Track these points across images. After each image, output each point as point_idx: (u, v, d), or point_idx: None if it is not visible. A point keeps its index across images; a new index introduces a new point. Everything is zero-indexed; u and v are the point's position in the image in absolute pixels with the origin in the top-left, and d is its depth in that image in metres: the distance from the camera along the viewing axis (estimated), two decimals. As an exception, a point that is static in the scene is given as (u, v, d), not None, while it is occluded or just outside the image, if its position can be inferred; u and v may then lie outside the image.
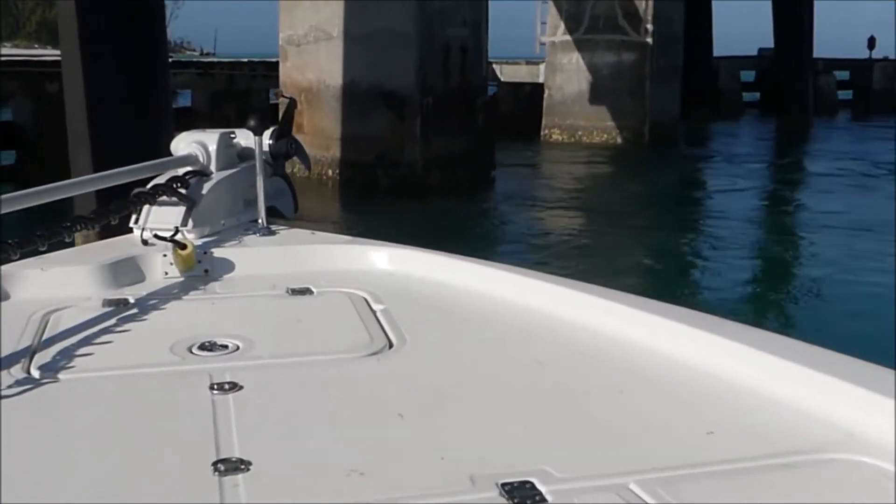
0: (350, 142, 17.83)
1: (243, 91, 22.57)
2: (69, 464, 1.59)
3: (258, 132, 3.12)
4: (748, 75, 42.06)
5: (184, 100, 23.54)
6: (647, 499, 1.41)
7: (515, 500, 1.41)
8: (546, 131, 27.71)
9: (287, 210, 3.46)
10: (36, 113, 17.68)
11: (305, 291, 2.62)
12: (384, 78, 17.56)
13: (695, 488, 1.46)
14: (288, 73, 18.59)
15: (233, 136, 3.29)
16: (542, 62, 28.82)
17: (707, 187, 21.13)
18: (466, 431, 1.70)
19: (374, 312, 2.42)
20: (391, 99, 17.52)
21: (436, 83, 17.86)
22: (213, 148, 3.16)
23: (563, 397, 1.90)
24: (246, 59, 25.54)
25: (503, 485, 1.45)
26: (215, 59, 28.12)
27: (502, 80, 30.42)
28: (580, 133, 27.10)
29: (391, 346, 2.17)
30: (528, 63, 30.39)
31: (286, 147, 3.39)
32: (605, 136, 26.76)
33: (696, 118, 30.37)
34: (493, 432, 1.70)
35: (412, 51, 17.50)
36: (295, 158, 3.51)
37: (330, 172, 17.98)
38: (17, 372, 1.95)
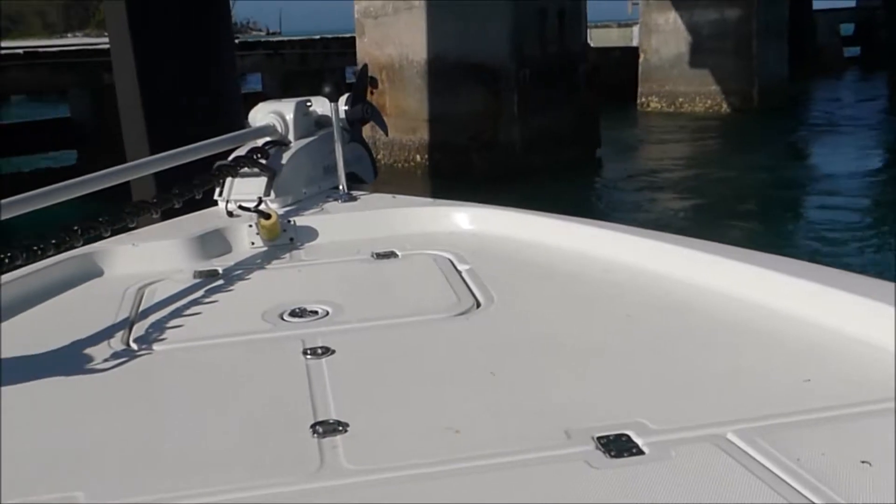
0: (439, 123, 16.10)
1: (317, 71, 21.04)
2: (171, 430, 1.63)
3: (333, 99, 3.17)
4: (847, 28, 39.66)
5: (253, 83, 22.18)
6: (746, 448, 1.41)
7: (612, 453, 1.42)
8: (643, 99, 25.81)
9: (367, 175, 3.51)
10: (95, 107, 16.17)
11: (390, 255, 2.67)
12: (475, 49, 15.71)
13: (793, 436, 1.45)
14: (365, 49, 16.93)
15: (309, 104, 3.32)
16: (636, 24, 26.89)
17: (835, 163, 18.73)
18: (559, 387, 1.72)
19: (459, 273, 2.45)
20: (483, 72, 15.68)
21: (532, 52, 16.01)
22: (290, 117, 3.20)
23: (656, 349, 1.90)
24: (318, 37, 23.83)
25: (599, 438, 1.46)
26: (284, 39, 26.38)
27: (591, 45, 28.36)
28: (681, 100, 25.14)
29: (479, 305, 2.20)
30: (619, 26, 28.35)
31: (362, 112, 3.42)
32: (709, 102, 24.70)
33: (797, 77, 27.94)
34: (586, 386, 1.72)
35: (505, 17, 15.64)
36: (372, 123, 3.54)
37: (417, 158, 16.31)
38: (116, 344, 2.03)
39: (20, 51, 17.38)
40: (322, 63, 21.71)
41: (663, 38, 25.38)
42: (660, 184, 16.21)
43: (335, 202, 3.11)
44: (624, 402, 1.63)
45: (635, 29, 26.99)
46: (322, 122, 3.32)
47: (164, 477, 1.46)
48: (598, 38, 28.36)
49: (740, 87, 24.26)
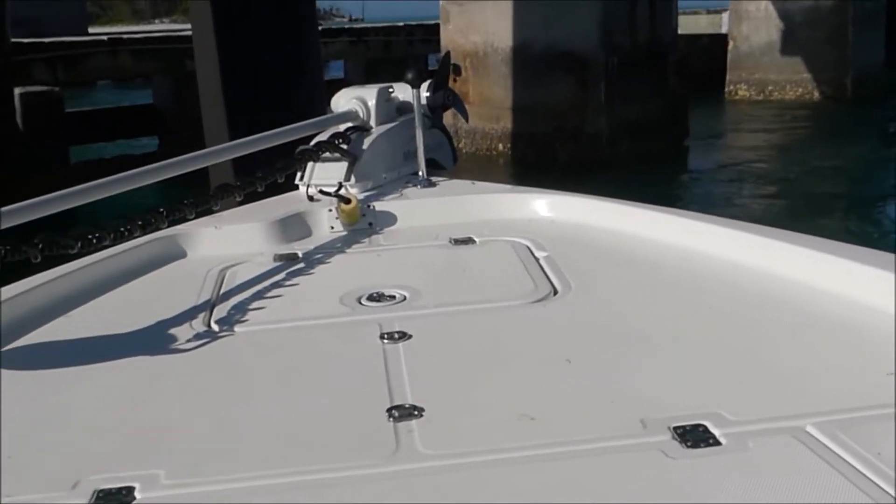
0: (523, 112, 15.73)
1: (400, 58, 20.75)
2: (249, 411, 1.64)
3: (415, 85, 3.16)
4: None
5: (336, 70, 22.06)
6: (826, 441, 1.38)
7: (689, 444, 1.40)
8: (731, 87, 25.11)
9: (446, 161, 3.51)
10: (178, 94, 16.16)
11: (468, 241, 2.66)
12: (562, 37, 15.32)
13: (875, 430, 1.41)
14: (450, 37, 16.64)
15: (391, 90, 3.34)
16: (725, 11, 26.11)
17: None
18: (636, 376, 1.69)
19: (537, 260, 2.43)
20: (571, 61, 15.26)
21: (622, 41, 15.57)
22: (372, 103, 3.21)
23: (734, 340, 1.87)
24: (402, 24, 23.58)
25: (675, 428, 1.44)
26: (367, 25, 26.19)
27: (679, 32, 27.72)
28: (770, 88, 24.41)
29: (556, 292, 2.18)
30: (708, 13, 27.63)
31: (443, 99, 3.42)
32: (800, 90, 23.94)
33: (892, 67, 26.84)
34: (663, 376, 1.69)
35: (594, 4, 15.20)
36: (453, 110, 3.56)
37: (500, 147, 16.00)
38: (198, 325, 2.06)
39: (105, 37, 17.40)
40: (405, 50, 21.50)
41: (754, 26, 24.63)
42: (749, 175, 15.64)
43: (415, 188, 3.12)
44: (701, 392, 1.61)
45: (725, 16, 26.24)
46: (403, 109, 3.34)
47: (241, 457, 1.48)
48: (686, 24, 27.56)
49: (833, 77, 23.47)
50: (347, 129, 3.14)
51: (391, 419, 1.55)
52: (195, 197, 2.49)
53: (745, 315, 2.02)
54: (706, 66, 24.75)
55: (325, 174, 3.01)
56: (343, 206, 2.79)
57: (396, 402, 1.60)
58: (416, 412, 1.56)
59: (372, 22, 35.20)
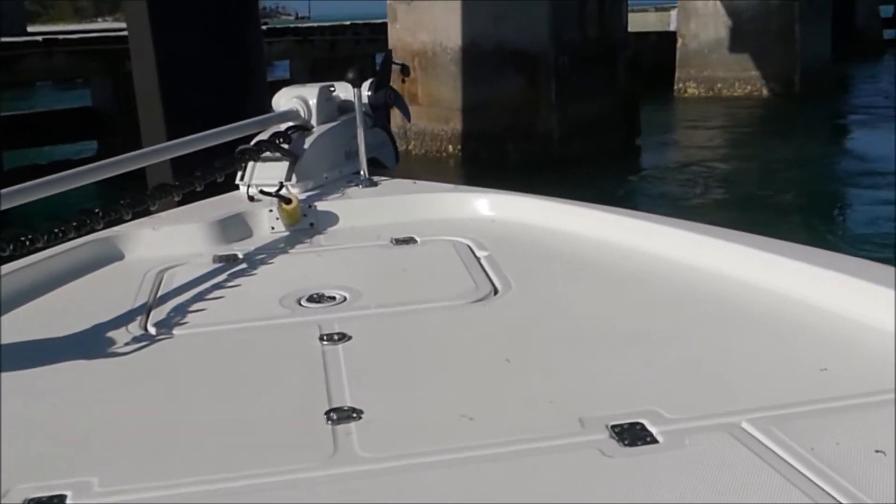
0: (474, 112, 15.41)
1: (346, 58, 20.33)
2: (188, 414, 1.63)
3: (357, 84, 3.16)
4: (886, 10, 38.65)
5: (281, 71, 21.64)
6: (761, 437, 1.40)
7: (626, 442, 1.41)
8: (680, 85, 24.95)
9: (388, 160, 3.52)
10: (117, 96, 15.65)
11: (409, 241, 2.65)
12: (512, 35, 15.01)
13: (809, 426, 1.44)
14: (398, 36, 16.28)
15: (332, 89, 3.32)
16: (674, 8, 26.12)
17: (883, 152, 17.84)
18: (574, 375, 1.72)
19: (478, 259, 2.44)
20: (521, 59, 14.98)
21: (572, 37, 15.30)
22: (313, 102, 3.20)
23: (671, 338, 1.88)
24: (349, 22, 23.17)
25: (613, 426, 1.45)
26: (313, 24, 25.77)
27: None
28: (719, 86, 24.28)
29: (496, 292, 2.19)
30: (657, 10, 27.54)
31: (385, 98, 3.41)
32: (749, 87, 23.84)
33: (837, 60, 26.89)
34: (601, 375, 1.70)
35: (544, 1, 14.91)
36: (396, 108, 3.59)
37: (450, 148, 15.69)
38: (135, 328, 2.03)
39: (39, 38, 16.81)
40: (352, 50, 21.11)
41: (703, 23, 24.48)
42: (702, 174, 15.39)
43: (356, 187, 3.11)
44: (639, 390, 1.62)
45: (673, 13, 26.12)
46: (345, 108, 3.32)
47: (178, 462, 1.46)
48: (634, 22, 27.13)
49: (782, 72, 23.38)
50: (288, 129, 3.13)
51: (329, 422, 1.54)
52: (132, 197, 2.44)
53: (683, 313, 2.04)
54: (655, 64, 24.63)
55: (265, 174, 2.98)
56: (284, 206, 2.77)
57: (335, 405, 1.59)
58: (354, 414, 1.56)
59: (318, 21, 34.73)
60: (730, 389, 1.61)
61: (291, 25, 26.99)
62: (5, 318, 2.15)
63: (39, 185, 2.23)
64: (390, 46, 16.13)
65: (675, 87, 24.94)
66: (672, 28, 26.19)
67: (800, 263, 2.07)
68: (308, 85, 3.33)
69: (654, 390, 1.61)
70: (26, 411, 1.67)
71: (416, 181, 3.17)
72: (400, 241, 2.67)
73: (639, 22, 27.72)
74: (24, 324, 2.12)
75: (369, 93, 3.31)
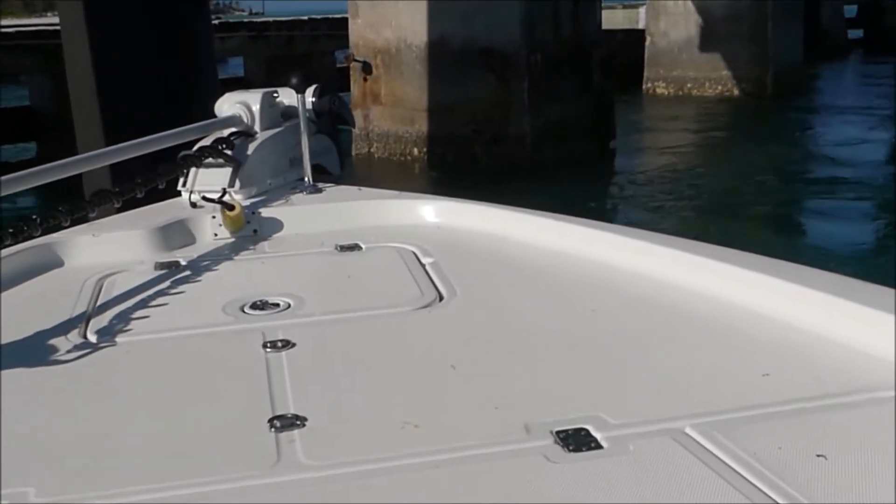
0: (440, 113, 14.59)
1: (304, 55, 19.45)
2: (128, 423, 1.63)
3: (300, 90, 3.13)
4: (850, 10, 38.57)
5: (235, 68, 20.71)
6: (704, 442, 1.43)
7: (571, 448, 1.43)
8: (649, 84, 24.34)
9: (333, 167, 3.46)
10: (57, 95, 14.55)
11: (354, 248, 2.66)
12: (482, 32, 14.18)
13: (752, 431, 1.46)
14: (359, 32, 15.39)
15: (276, 95, 3.29)
16: (642, 6, 25.51)
17: (856, 154, 17.28)
18: (520, 381, 1.73)
19: (423, 266, 2.44)
20: (491, 58, 14.14)
21: (545, 36, 14.49)
22: (256, 108, 3.18)
23: (615, 344, 1.91)
24: (306, 17, 22.17)
25: (558, 432, 1.47)
26: (269, 20, 24.75)
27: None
28: (689, 86, 23.73)
29: (441, 298, 2.20)
30: (624, 7, 26.90)
31: (329, 104, 3.38)
32: (720, 87, 23.29)
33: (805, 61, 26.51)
34: (547, 381, 1.73)
35: (516, -2, 14.09)
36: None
37: (415, 151, 14.88)
38: (74, 337, 2.01)
39: (-30, 32, 15.69)
40: (310, 46, 20.18)
41: (672, 21, 23.89)
42: (678, 179, 14.78)
43: (300, 194, 3.10)
44: (584, 396, 1.64)
45: (642, 10, 25.53)
46: (289, 114, 3.29)
47: (118, 472, 1.45)
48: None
49: (753, 73, 22.84)
50: (231, 135, 3.09)
51: (273, 429, 1.53)
52: (71, 204, 2.43)
53: (627, 319, 2.06)
54: (623, 63, 23.95)
55: (208, 180, 2.94)
56: (227, 212, 2.76)
57: (279, 412, 1.59)
58: (298, 422, 1.55)
59: (274, 16, 33.66)
60: (674, 395, 1.63)
61: (245, 20, 25.93)
62: None
63: None
64: (351, 43, 15.45)
65: (644, 87, 24.36)
66: (640, 26, 25.63)
67: (742, 270, 2.10)
68: (251, 90, 3.30)
69: (598, 396, 1.63)
70: None
71: (361, 188, 3.18)
72: (344, 248, 2.66)
73: (607, 19, 27.00)
74: None
75: (313, 98, 3.28)
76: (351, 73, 15.33)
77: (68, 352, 1.93)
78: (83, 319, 2.12)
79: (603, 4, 25.67)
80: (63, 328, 2.06)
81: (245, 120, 3.16)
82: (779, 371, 1.70)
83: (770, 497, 1.27)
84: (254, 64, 20.13)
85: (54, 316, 2.12)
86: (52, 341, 1.99)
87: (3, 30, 15.75)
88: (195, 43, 8.24)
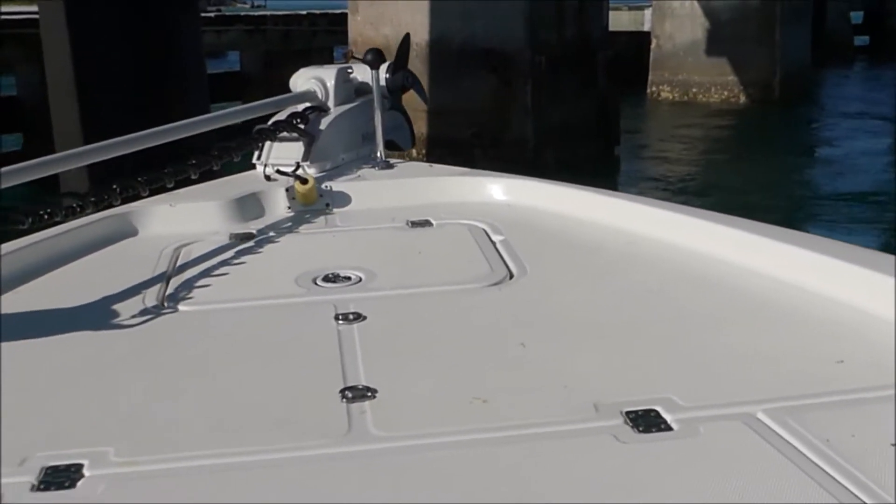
0: (440, 114, 13.84)
1: (302, 51, 19.04)
2: (203, 389, 1.67)
3: (375, 66, 3.18)
4: (856, 16, 38.26)
5: (232, 62, 20.30)
6: (776, 427, 1.40)
7: (640, 428, 1.42)
8: (653, 88, 23.85)
9: (404, 143, 3.56)
10: (45, 85, 14.13)
11: (425, 223, 2.68)
12: (484, 32, 13.65)
13: (824, 417, 1.44)
14: (358, 29, 14.90)
15: (350, 70, 3.36)
16: (648, 7, 25.15)
17: (867, 161, 16.87)
18: (589, 360, 1.73)
19: (493, 243, 2.46)
20: (494, 58, 13.62)
21: (548, 37, 14.00)
22: (330, 83, 3.23)
23: (687, 326, 1.90)
24: (305, 12, 21.71)
25: (627, 413, 1.46)
26: (267, 13, 24.27)
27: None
28: (695, 90, 23.24)
29: (511, 276, 2.21)
30: (630, 9, 26.46)
31: (402, 80, 3.44)
32: (726, 93, 22.82)
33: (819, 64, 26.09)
34: (616, 361, 1.72)
35: (520, -3, 13.59)
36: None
37: (413, 153, 14.28)
38: (151, 303, 2.07)
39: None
40: (308, 42, 19.78)
41: (678, 24, 23.38)
42: (685, 190, 14.41)
43: (372, 169, 3.12)
44: (653, 377, 1.62)
45: (647, 12, 25.09)
46: (362, 90, 3.32)
47: (192, 436, 1.47)
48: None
49: (761, 78, 22.35)
50: (305, 109, 3.14)
51: (344, 400, 1.55)
52: (150, 174, 2.50)
53: (696, 300, 2.05)
54: (627, 65, 23.51)
55: (282, 154, 3.01)
56: (299, 186, 2.79)
57: (350, 383, 1.61)
58: (369, 393, 1.57)
59: (275, 9, 33.18)
60: (745, 379, 1.60)
61: (242, 13, 25.45)
62: (23, 288, 2.19)
63: (64, 159, 2.34)
64: (350, 39, 15.06)
65: (649, 91, 23.88)
66: (646, 28, 25.19)
67: (818, 255, 2.06)
68: (326, 66, 3.36)
69: (668, 378, 1.60)
70: (42, 381, 1.69)
71: (432, 164, 3.26)
72: (415, 224, 2.68)
73: (612, 21, 26.67)
74: (41, 296, 2.14)
75: (387, 75, 3.31)
76: (349, 69, 14.92)
77: (145, 317, 1.98)
78: (159, 287, 2.17)
79: (609, 5, 25.36)
80: (140, 294, 2.12)
81: (319, 95, 3.22)
82: (852, 358, 1.67)
83: (843, 485, 1.25)
84: (250, 58, 19.75)
85: (131, 282, 2.18)
86: (129, 307, 2.04)
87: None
88: (180, 36, 7.90)
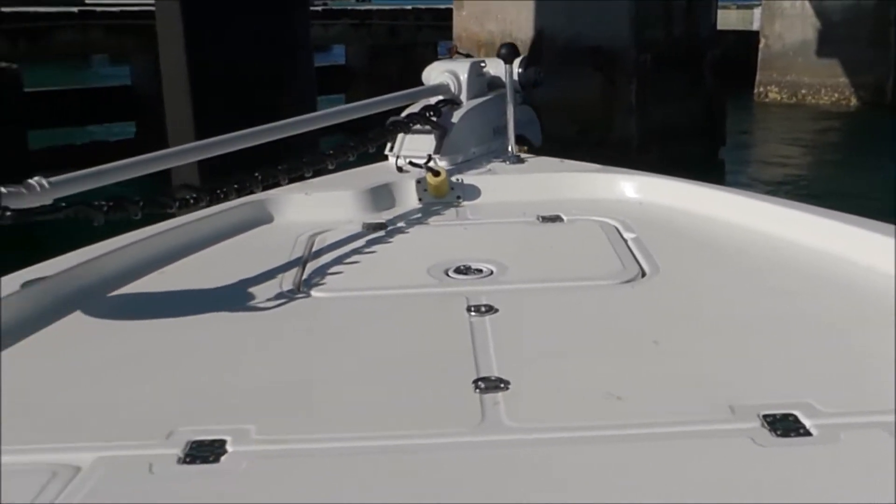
0: (544, 112, 13.75)
1: (407, 45, 19.09)
2: (339, 373, 1.70)
3: (508, 60, 3.20)
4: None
5: (337, 56, 20.49)
6: None
7: (778, 432, 1.38)
8: (761, 89, 23.35)
9: (535, 138, 3.58)
10: (159, 76, 14.46)
11: (556, 219, 2.68)
12: (589, 29, 13.52)
13: None
14: (463, 24, 14.93)
15: (483, 65, 3.41)
16: (757, 6, 24.56)
17: None
18: (724, 360, 1.70)
19: (625, 241, 2.44)
20: (599, 56, 13.49)
21: (655, 35, 13.83)
22: (463, 77, 3.27)
23: (825, 329, 1.86)
24: (410, 7, 21.78)
25: (765, 416, 1.42)
26: (373, 7, 24.44)
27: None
28: (804, 92, 22.69)
29: (644, 274, 2.19)
30: (738, 7, 25.91)
31: (535, 76, 3.41)
32: (836, 95, 22.22)
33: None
34: (752, 362, 1.69)
35: (627, -8, 13.43)
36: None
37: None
38: (287, 288, 2.13)
39: (75, 9, 15.60)
40: (414, 36, 19.83)
41: (788, 23, 22.84)
42: (795, 192, 14.00)
43: (503, 163, 3.14)
44: (791, 380, 1.59)
45: (757, 11, 24.57)
46: (494, 84, 3.36)
47: (328, 419, 1.50)
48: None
49: (873, 80, 21.68)
50: (438, 102, 3.18)
51: (477, 390, 1.56)
52: (289, 163, 2.59)
53: (832, 302, 2.00)
54: (734, 65, 23.07)
55: (414, 146, 3.05)
56: (431, 178, 2.83)
57: (483, 374, 1.61)
58: (502, 385, 1.57)
59: (380, 4, 33.43)
60: (887, 386, 1.52)
61: (349, 7, 25.67)
62: (168, 269, 2.26)
63: (171, 155, 2.37)
64: (455, 34, 15.08)
65: (756, 91, 23.41)
66: (754, 28, 24.66)
67: None
68: (459, 60, 3.45)
69: (806, 381, 1.58)
70: (185, 359, 1.76)
71: (563, 160, 3.20)
72: (546, 219, 2.67)
73: (719, 19, 26.24)
74: (184, 277, 2.21)
75: (520, 70, 3.30)
76: (454, 65, 14.94)
77: (282, 302, 2.04)
78: (294, 273, 2.23)
79: (718, 4, 24.91)
80: (277, 279, 2.18)
81: (452, 88, 3.26)
82: None
83: None
84: (356, 52, 19.88)
85: (269, 267, 2.25)
86: (267, 291, 2.10)
87: (110, 9, 15.68)
88: (291, 30, 7.98)
